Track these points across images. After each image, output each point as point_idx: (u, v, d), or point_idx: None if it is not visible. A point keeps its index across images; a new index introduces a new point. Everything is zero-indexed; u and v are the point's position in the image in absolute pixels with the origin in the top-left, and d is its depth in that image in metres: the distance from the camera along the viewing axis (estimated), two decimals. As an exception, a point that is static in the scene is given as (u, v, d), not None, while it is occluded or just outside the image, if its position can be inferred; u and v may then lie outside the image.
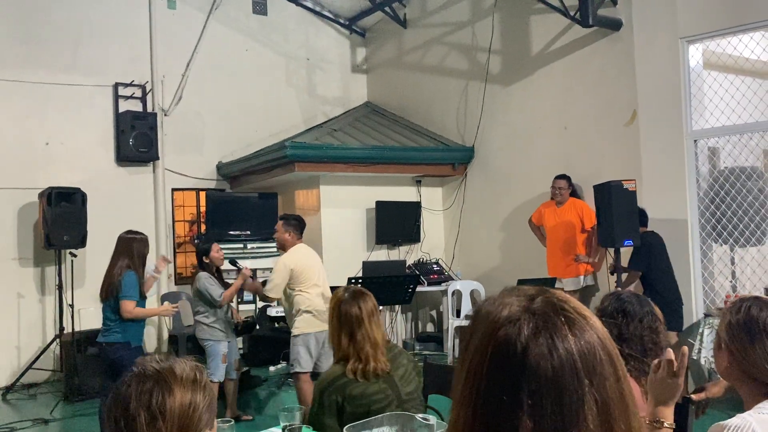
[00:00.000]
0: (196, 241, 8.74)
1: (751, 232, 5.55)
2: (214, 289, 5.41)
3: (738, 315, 1.82)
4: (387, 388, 2.84)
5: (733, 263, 5.87)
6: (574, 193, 6.83)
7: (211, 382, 5.43)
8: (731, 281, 5.86)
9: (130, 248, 4.97)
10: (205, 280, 5.43)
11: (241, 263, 5.93)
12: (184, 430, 1.35)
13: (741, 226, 5.57)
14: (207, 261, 5.56)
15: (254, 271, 7.75)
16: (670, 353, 1.83)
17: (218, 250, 5.61)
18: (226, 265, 5.83)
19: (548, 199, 6.95)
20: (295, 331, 5.25)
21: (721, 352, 1.85)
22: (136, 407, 1.34)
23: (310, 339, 5.23)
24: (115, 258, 4.97)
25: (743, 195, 5.59)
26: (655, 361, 1.88)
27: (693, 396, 2.51)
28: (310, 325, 5.24)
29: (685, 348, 1.85)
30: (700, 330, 5.46)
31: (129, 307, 4.82)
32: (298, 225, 5.51)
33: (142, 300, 4.97)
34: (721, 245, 5.86)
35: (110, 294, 4.89)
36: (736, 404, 1.89)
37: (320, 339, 5.21)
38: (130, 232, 5.13)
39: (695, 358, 5.34)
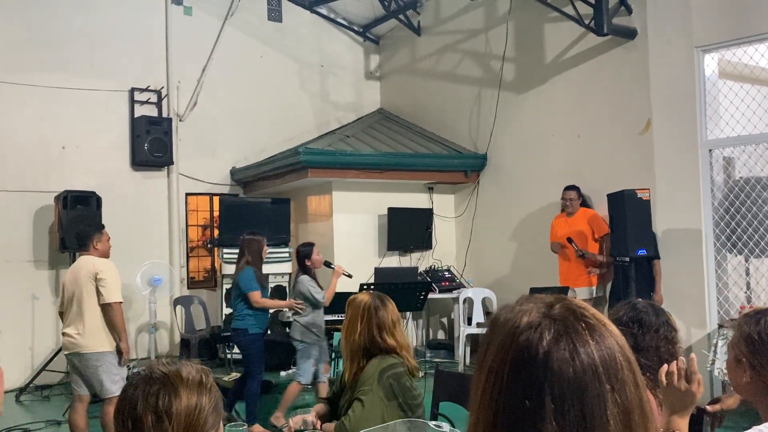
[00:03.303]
0: (209, 245, 8.81)
1: (767, 242, 5.51)
2: (317, 291, 5.65)
3: (758, 328, 1.78)
4: (421, 393, 3.04)
5: (747, 274, 5.81)
6: (584, 203, 6.80)
7: (299, 384, 5.50)
8: (746, 292, 5.81)
9: (247, 247, 5.64)
10: (308, 282, 5.66)
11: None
12: (190, 431, 1.37)
13: (756, 236, 5.52)
14: (308, 264, 5.75)
15: (266, 276, 7.77)
16: (693, 361, 1.82)
17: (318, 253, 5.87)
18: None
19: (558, 211, 6.92)
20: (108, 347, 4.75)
21: (739, 367, 1.81)
22: (143, 409, 1.36)
23: None
24: (239, 257, 5.74)
25: (759, 205, 5.54)
26: (663, 369, 1.86)
27: (708, 407, 2.49)
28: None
29: (693, 355, 1.84)
30: (714, 341, 5.41)
31: (255, 297, 5.47)
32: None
33: (264, 290, 5.65)
34: (736, 256, 5.80)
35: (235, 288, 5.61)
36: (751, 417, 1.88)
37: None
38: (249, 233, 5.83)
39: (709, 369, 5.29)
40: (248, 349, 5.54)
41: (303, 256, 5.74)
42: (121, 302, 4.77)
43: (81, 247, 5.00)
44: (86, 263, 4.83)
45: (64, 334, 4.85)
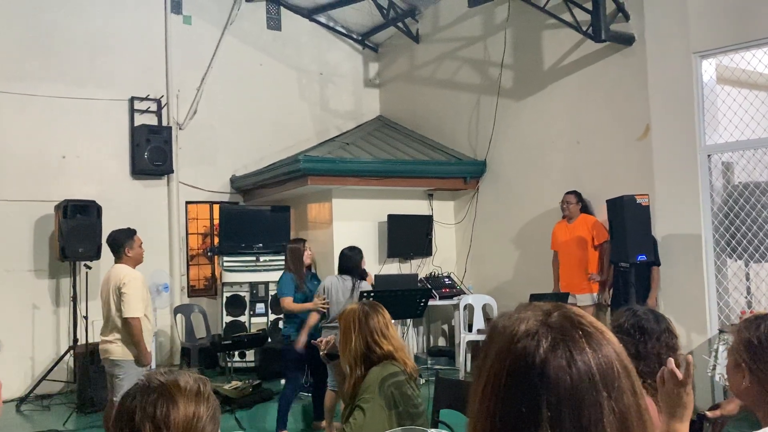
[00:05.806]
0: (209, 253, 8.81)
1: (767, 247, 5.51)
2: None
3: (758, 332, 1.78)
4: (423, 401, 3.05)
5: (748, 279, 5.81)
6: (585, 209, 6.80)
7: (334, 391, 5.42)
8: (746, 297, 5.81)
9: (288, 254, 5.68)
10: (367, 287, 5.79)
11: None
12: None
13: (756, 241, 5.53)
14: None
15: (267, 284, 7.77)
16: (671, 363, 1.81)
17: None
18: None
19: (557, 216, 6.93)
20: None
21: (738, 371, 1.81)
22: (141, 419, 1.36)
23: None
24: (285, 264, 5.79)
25: (758, 210, 5.55)
26: (659, 374, 1.86)
27: (708, 413, 2.49)
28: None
29: (690, 357, 1.83)
30: (715, 346, 5.41)
31: (284, 302, 5.49)
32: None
33: (301, 296, 5.52)
34: (736, 261, 5.81)
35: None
36: (751, 422, 1.87)
37: None
38: (291, 240, 6.00)
39: (710, 374, 5.28)
40: (285, 356, 5.57)
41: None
42: (139, 317, 4.75)
43: (114, 256, 4.95)
44: (116, 274, 4.84)
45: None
